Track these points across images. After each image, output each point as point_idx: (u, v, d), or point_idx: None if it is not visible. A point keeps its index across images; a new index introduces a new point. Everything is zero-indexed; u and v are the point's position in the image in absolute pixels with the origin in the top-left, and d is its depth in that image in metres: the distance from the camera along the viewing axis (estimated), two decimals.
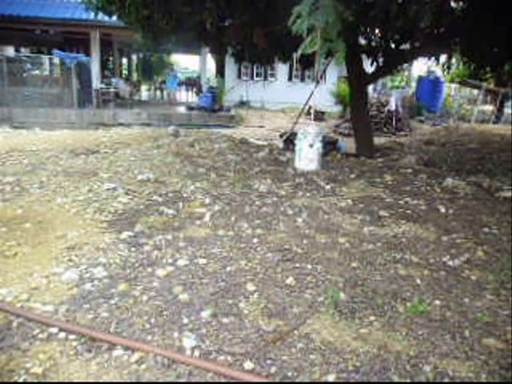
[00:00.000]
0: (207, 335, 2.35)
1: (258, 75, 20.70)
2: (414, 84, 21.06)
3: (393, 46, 8.15)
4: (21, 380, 1.99)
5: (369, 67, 8.90)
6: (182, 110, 16.61)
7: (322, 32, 3.86)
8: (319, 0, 3.87)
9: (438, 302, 2.75)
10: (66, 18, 14.69)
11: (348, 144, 9.61)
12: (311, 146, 6.26)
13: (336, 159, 7.21)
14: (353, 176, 5.96)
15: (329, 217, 4.27)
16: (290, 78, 20.70)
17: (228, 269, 3.11)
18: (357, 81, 8.45)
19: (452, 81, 19.94)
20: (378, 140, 10.85)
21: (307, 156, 6.27)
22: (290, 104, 18.96)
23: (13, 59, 15.26)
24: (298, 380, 2.05)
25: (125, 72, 26.36)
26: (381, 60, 8.40)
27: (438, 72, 18.10)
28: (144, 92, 22.44)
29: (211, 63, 25.51)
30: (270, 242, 3.61)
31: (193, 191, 4.92)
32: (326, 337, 2.36)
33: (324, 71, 13.42)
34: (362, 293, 2.83)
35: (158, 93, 21.35)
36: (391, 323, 2.51)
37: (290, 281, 2.95)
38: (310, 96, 10.57)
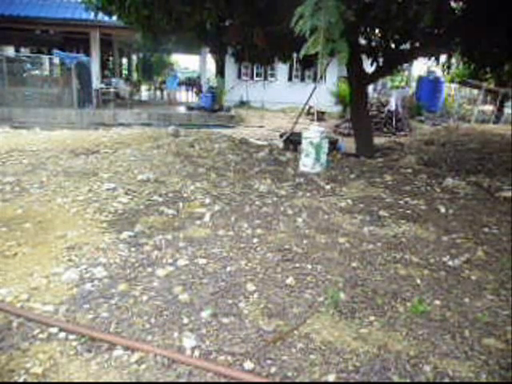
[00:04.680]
0: (207, 335, 2.35)
1: (258, 75, 20.69)
2: (414, 84, 21.06)
3: (393, 46, 8.15)
4: (21, 380, 2.00)
5: (369, 67, 8.89)
6: (182, 109, 16.60)
7: (325, 32, 3.85)
8: (322, 0, 3.86)
9: (438, 302, 2.75)
10: (66, 17, 14.70)
11: (348, 144, 9.61)
12: (329, 147, 6.30)
13: (336, 159, 7.21)
14: (353, 176, 5.96)
15: (329, 217, 4.27)
16: (290, 78, 20.70)
17: (228, 269, 3.11)
18: (357, 81, 8.45)
19: (452, 81, 19.95)
20: (378, 140, 10.85)
21: (323, 157, 6.24)
22: (290, 104, 18.96)
23: (13, 59, 15.25)
24: (297, 380, 2.05)
25: (125, 72, 26.35)
26: (381, 60, 8.40)
27: (438, 72, 18.12)
28: (144, 92, 22.42)
29: (211, 63, 25.50)
30: (270, 241, 3.61)
31: (193, 191, 4.92)
32: (326, 337, 2.36)
33: (324, 71, 13.42)
34: (362, 293, 2.83)
35: (158, 93, 21.32)
36: (391, 323, 2.51)
37: (290, 281, 2.95)
38: (310, 96, 10.58)
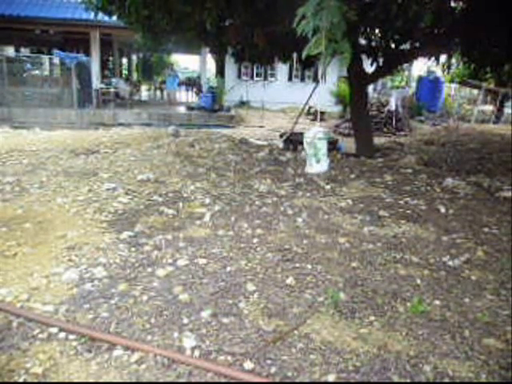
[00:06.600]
0: (207, 335, 2.35)
1: (258, 75, 20.70)
2: (414, 84, 21.06)
3: (393, 45, 8.15)
4: (21, 380, 2.00)
5: (369, 67, 8.90)
6: (182, 109, 16.60)
7: (327, 33, 3.84)
8: (324, 0, 3.85)
9: (438, 302, 2.75)
10: (66, 17, 14.69)
11: (348, 144, 9.61)
12: (329, 147, 6.29)
13: (336, 159, 7.20)
14: (353, 176, 5.96)
15: (329, 217, 4.27)
16: (290, 78, 20.71)
17: (228, 269, 3.11)
18: (357, 81, 8.45)
19: (452, 81, 19.95)
20: (378, 140, 10.85)
21: (326, 158, 6.22)
22: (290, 104, 18.96)
23: (13, 59, 15.26)
24: (298, 380, 2.05)
25: (125, 72, 26.34)
26: (381, 60, 8.40)
27: (438, 72, 18.13)
28: (144, 92, 22.44)
29: (211, 63, 25.52)
30: (270, 241, 3.61)
31: (193, 191, 4.92)
32: (325, 337, 2.36)
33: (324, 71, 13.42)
34: (362, 293, 2.83)
35: (158, 93, 21.33)
36: (391, 323, 2.51)
37: (290, 281, 2.95)
38: (310, 96, 10.56)
